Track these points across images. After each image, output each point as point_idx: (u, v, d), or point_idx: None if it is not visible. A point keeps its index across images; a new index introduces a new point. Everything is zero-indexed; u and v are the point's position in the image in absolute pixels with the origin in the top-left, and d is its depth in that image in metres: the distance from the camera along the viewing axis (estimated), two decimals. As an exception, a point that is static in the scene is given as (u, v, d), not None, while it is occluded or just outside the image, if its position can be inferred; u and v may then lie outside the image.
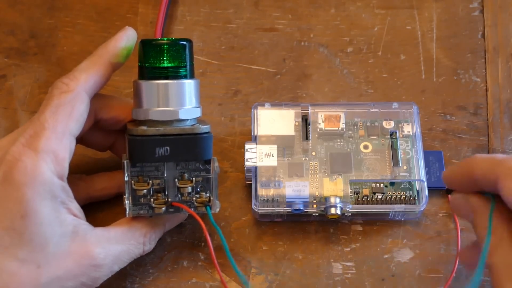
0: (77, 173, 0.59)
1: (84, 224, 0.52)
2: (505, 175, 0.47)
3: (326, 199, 0.58)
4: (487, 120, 0.64)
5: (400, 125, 0.61)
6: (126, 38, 0.54)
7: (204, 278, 0.59)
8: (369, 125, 0.61)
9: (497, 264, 0.47)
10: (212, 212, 0.54)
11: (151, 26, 0.67)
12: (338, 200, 0.58)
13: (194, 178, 0.54)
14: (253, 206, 0.58)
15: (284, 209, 0.58)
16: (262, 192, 0.58)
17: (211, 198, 0.54)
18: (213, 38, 0.67)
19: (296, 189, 0.59)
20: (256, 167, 0.59)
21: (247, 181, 0.60)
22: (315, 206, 0.58)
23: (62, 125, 0.50)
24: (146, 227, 0.55)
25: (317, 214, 0.59)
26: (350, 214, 0.59)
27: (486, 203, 0.49)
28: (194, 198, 0.54)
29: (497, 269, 0.47)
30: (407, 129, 0.61)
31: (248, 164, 0.59)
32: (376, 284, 0.58)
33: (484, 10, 0.67)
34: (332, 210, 0.58)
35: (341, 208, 0.58)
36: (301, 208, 0.58)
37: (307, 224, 0.60)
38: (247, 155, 0.59)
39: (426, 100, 0.65)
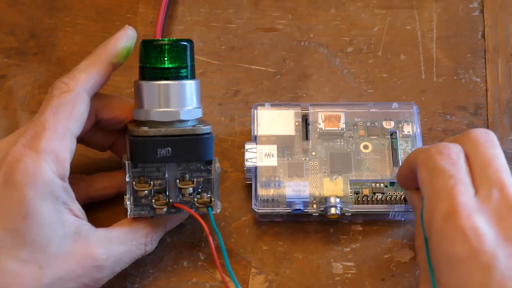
0: (78, 173, 0.59)
1: (86, 225, 0.52)
2: (420, 164, 0.49)
3: (326, 199, 0.58)
4: (487, 120, 0.64)
5: (400, 125, 0.61)
6: (126, 38, 0.54)
7: (204, 278, 0.59)
8: (369, 125, 0.61)
9: (419, 263, 0.50)
10: (214, 212, 0.54)
11: (151, 26, 0.67)
12: (338, 200, 0.58)
13: (195, 179, 0.54)
14: (253, 206, 0.58)
15: (284, 209, 0.58)
16: (262, 192, 0.59)
17: (213, 198, 0.54)
18: (213, 38, 0.67)
19: (296, 189, 0.59)
20: (256, 167, 0.59)
21: (247, 181, 0.60)
22: (315, 206, 0.58)
23: (63, 125, 0.50)
24: (148, 227, 0.55)
25: (317, 214, 0.59)
26: (350, 214, 0.59)
27: (420, 201, 0.51)
28: (195, 199, 0.54)
29: (420, 267, 0.50)
30: (407, 129, 0.61)
31: (248, 164, 0.59)
32: (376, 284, 0.58)
33: (484, 10, 0.67)
34: (332, 210, 0.58)
35: (341, 208, 0.58)
36: (301, 208, 0.58)
37: (307, 224, 0.60)
38: (247, 155, 0.59)
39: (426, 100, 0.65)
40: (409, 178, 0.53)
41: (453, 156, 0.48)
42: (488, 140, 0.49)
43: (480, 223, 0.44)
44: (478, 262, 0.43)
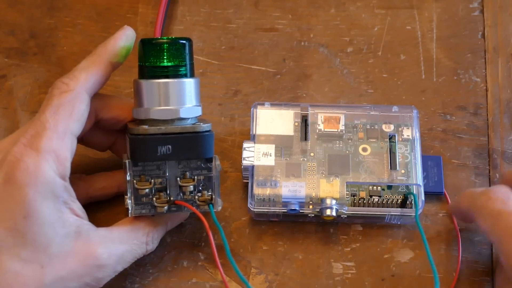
0: (78, 173, 0.59)
1: (87, 225, 0.52)
2: (477, 215, 0.52)
3: (322, 200, 0.58)
4: (487, 120, 0.64)
5: (399, 129, 0.61)
6: (125, 37, 0.54)
7: (204, 278, 0.59)
8: (368, 127, 0.61)
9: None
10: (215, 210, 0.54)
11: (151, 26, 0.67)
12: (334, 201, 0.58)
13: (196, 177, 0.54)
14: (249, 205, 0.58)
15: (279, 209, 0.58)
16: (258, 191, 0.58)
17: (213, 196, 0.54)
18: (213, 38, 0.67)
19: (292, 189, 0.58)
20: (253, 166, 0.59)
21: (244, 180, 0.60)
22: (311, 207, 0.58)
23: (63, 125, 0.50)
24: (149, 226, 0.55)
25: (313, 215, 0.59)
26: (345, 216, 0.58)
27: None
28: (196, 197, 0.54)
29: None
30: (407, 133, 0.61)
31: (245, 162, 0.59)
32: (376, 284, 0.58)
33: (484, 10, 0.68)
34: (328, 212, 0.57)
35: (337, 210, 0.58)
36: (297, 208, 0.58)
37: (307, 224, 0.60)
38: (245, 153, 0.59)
39: (426, 100, 0.65)
40: (464, 216, 0.57)
41: (503, 197, 0.51)
42: None
43: None
44: None
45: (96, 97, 0.54)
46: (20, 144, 0.49)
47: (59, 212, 0.50)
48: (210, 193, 0.54)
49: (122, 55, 0.54)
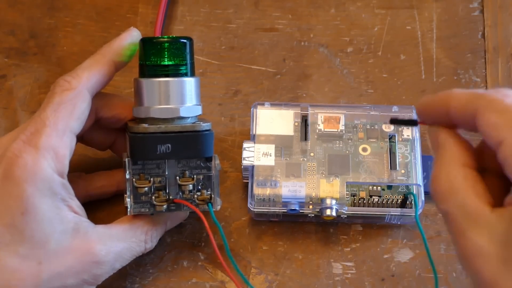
0: (77, 172, 0.59)
1: (85, 222, 0.52)
2: (485, 107, 0.43)
3: (322, 200, 0.58)
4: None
5: (399, 129, 0.61)
6: (130, 38, 0.54)
7: (204, 278, 0.59)
8: (368, 127, 0.61)
9: (453, 211, 0.43)
10: (214, 209, 0.54)
11: (151, 26, 0.67)
12: (334, 201, 0.58)
13: (195, 176, 0.54)
14: (249, 205, 0.58)
15: (279, 209, 0.58)
16: (258, 191, 0.58)
17: (212, 195, 0.54)
18: (213, 38, 0.67)
19: (292, 189, 0.58)
20: (253, 166, 0.59)
21: (244, 180, 0.60)
22: (311, 207, 0.58)
23: (63, 123, 0.50)
24: (148, 224, 0.55)
25: (313, 215, 0.59)
26: (345, 216, 0.58)
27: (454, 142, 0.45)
28: (195, 196, 0.54)
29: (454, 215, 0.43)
30: (407, 133, 0.61)
31: (245, 162, 0.59)
32: (376, 284, 0.58)
33: (484, 10, 0.68)
34: (328, 212, 0.57)
35: (337, 210, 0.58)
36: (297, 208, 0.58)
37: (307, 224, 0.60)
38: (245, 153, 0.59)
39: (426, 100, 0.65)
40: (441, 117, 0.46)
41: None
42: None
43: None
44: None
45: (97, 96, 0.54)
46: (19, 140, 0.49)
47: (57, 209, 0.50)
48: (209, 193, 0.54)
49: (126, 55, 0.54)
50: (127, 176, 0.53)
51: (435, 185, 0.44)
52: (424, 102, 0.47)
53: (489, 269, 0.40)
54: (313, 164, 0.60)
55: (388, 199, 0.58)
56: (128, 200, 0.53)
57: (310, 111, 0.61)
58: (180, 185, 0.54)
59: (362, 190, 0.59)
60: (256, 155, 0.59)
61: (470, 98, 0.44)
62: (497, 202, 0.41)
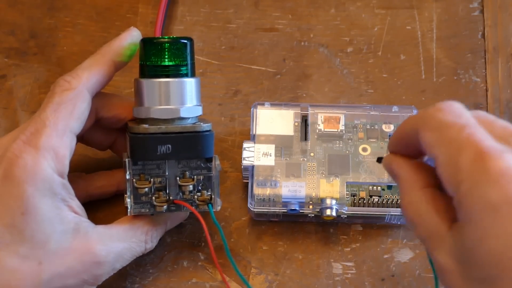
0: (77, 172, 0.59)
1: (85, 222, 0.52)
2: (422, 126, 0.44)
3: (322, 200, 0.58)
4: (487, 120, 0.64)
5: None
6: (130, 38, 0.54)
7: (204, 278, 0.59)
8: (368, 127, 0.61)
9: (421, 234, 0.45)
10: (214, 210, 0.54)
11: (151, 26, 0.67)
12: (334, 201, 0.58)
13: (195, 176, 0.54)
14: (249, 205, 0.58)
15: (279, 209, 0.58)
16: (258, 191, 0.58)
17: (213, 196, 0.54)
18: (213, 38, 0.67)
19: (292, 189, 0.58)
20: (253, 166, 0.59)
21: (244, 180, 0.60)
22: (311, 207, 0.58)
23: (63, 123, 0.50)
24: (148, 225, 0.55)
25: (313, 215, 0.59)
26: (346, 216, 0.58)
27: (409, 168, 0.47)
28: (196, 196, 0.54)
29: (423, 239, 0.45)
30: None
31: (245, 162, 0.59)
32: (376, 284, 0.58)
33: (484, 10, 0.68)
34: (328, 212, 0.57)
35: (337, 210, 0.58)
36: (297, 208, 0.58)
37: (307, 224, 0.60)
38: (245, 153, 0.59)
39: (426, 100, 0.65)
40: (401, 143, 0.48)
41: (456, 110, 0.43)
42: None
43: None
44: None
45: (97, 96, 0.54)
46: (19, 141, 0.49)
47: (57, 209, 0.50)
48: (209, 193, 0.54)
49: (126, 55, 0.54)
50: (128, 177, 0.53)
51: (404, 214, 0.46)
52: (392, 139, 0.49)
53: (456, 286, 0.41)
54: (313, 164, 0.60)
55: (388, 199, 0.58)
56: (129, 201, 0.53)
57: (310, 111, 0.61)
58: (180, 186, 0.54)
59: (362, 190, 0.59)
60: (256, 155, 0.59)
61: (414, 120, 0.46)
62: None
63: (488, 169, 0.39)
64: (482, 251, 0.39)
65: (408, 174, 0.46)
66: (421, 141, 0.44)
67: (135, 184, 0.53)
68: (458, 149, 0.41)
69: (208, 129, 0.53)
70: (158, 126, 0.52)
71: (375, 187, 0.59)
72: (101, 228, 0.52)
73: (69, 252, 0.50)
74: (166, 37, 0.53)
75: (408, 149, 0.47)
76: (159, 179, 0.54)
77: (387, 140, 0.60)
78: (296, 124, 0.61)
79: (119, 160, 0.58)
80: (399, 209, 0.58)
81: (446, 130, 0.42)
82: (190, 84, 0.53)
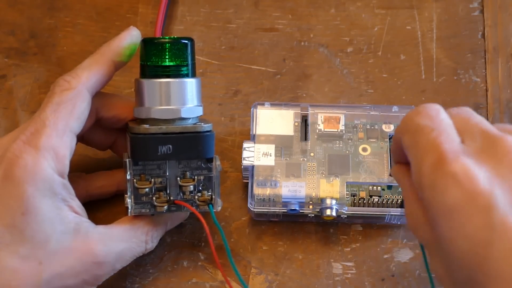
0: (77, 172, 0.59)
1: (86, 222, 0.52)
2: (402, 131, 0.46)
3: (322, 200, 0.58)
4: (487, 120, 0.64)
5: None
6: (130, 37, 0.54)
7: (204, 278, 0.59)
8: (368, 127, 0.61)
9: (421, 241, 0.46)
10: (214, 210, 0.54)
11: (151, 26, 0.67)
12: (334, 201, 0.58)
13: (196, 177, 0.54)
14: (249, 205, 0.58)
15: (279, 209, 0.58)
16: (258, 191, 0.58)
17: (213, 196, 0.54)
18: (213, 38, 0.67)
19: (292, 189, 0.58)
20: (253, 166, 0.59)
21: (244, 180, 0.60)
22: (311, 207, 0.58)
23: (63, 123, 0.50)
24: (148, 225, 0.55)
25: (313, 215, 0.59)
26: (346, 216, 0.58)
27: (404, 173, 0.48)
28: (196, 197, 0.54)
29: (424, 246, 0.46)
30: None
31: (245, 162, 0.59)
32: (376, 284, 0.58)
33: (484, 10, 0.68)
34: (328, 212, 0.57)
35: (337, 210, 0.58)
36: (297, 208, 0.58)
37: (307, 224, 0.60)
38: (245, 153, 0.59)
39: (426, 100, 0.65)
40: (397, 152, 0.49)
41: (431, 113, 0.45)
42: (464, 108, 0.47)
43: (470, 165, 0.41)
44: (476, 204, 0.39)
45: (97, 96, 0.54)
46: (19, 141, 0.49)
47: (57, 209, 0.50)
48: (210, 193, 0.54)
49: (126, 54, 0.54)
50: (128, 177, 0.53)
51: (407, 223, 0.47)
52: (391, 148, 0.51)
53: None
54: (313, 164, 0.60)
55: (388, 199, 0.58)
56: (129, 201, 0.53)
57: (310, 111, 0.61)
58: (180, 186, 0.54)
59: (362, 190, 0.59)
60: (256, 155, 0.59)
61: (398, 128, 0.47)
62: None
63: (444, 173, 0.41)
64: (454, 255, 0.40)
65: (406, 185, 0.47)
66: (402, 145, 0.46)
67: (136, 184, 0.53)
68: (423, 154, 0.43)
69: (209, 129, 0.53)
70: (159, 127, 0.52)
71: (375, 187, 0.59)
72: (101, 228, 0.52)
73: (69, 253, 0.50)
74: (167, 37, 0.53)
75: (405, 157, 0.47)
76: (159, 179, 0.54)
77: (387, 140, 0.60)
78: (296, 124, 0.61)
79: (119, 160, 0.58)
80: (399, 209, 0.58)
81: (418, 133, 0.44)
82: (191, 84, 0.53)
